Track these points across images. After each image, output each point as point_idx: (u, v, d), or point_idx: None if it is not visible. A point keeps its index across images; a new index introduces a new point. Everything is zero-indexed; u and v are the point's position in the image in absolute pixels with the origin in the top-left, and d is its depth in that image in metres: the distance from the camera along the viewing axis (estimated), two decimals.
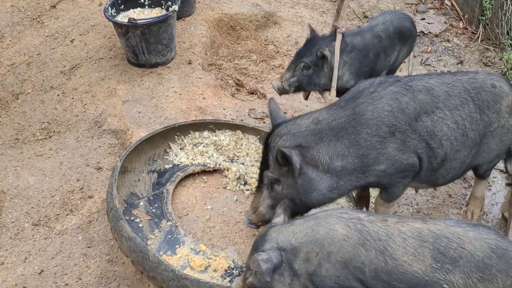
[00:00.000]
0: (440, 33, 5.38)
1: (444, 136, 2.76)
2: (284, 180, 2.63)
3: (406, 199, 3.42)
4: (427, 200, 3.47)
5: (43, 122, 3.63)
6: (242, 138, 3.45)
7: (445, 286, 2.14)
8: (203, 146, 3.32)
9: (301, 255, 2.24)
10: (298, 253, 2.24)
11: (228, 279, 2.61)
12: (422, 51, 5.11)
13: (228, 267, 2.68)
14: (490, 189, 3.67)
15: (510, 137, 2.97)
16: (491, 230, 2.24)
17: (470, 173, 3.72)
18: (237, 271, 2.67)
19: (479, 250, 2.15)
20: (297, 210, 2.68)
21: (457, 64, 4.92)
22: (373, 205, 3.13)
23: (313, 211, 2.64)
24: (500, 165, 3.82)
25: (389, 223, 2.26)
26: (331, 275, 2.24)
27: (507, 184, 3.71)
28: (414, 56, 5.01)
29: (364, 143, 2.61)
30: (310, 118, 2.69)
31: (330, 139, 2.62)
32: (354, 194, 3.15)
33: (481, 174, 3.19)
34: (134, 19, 3.79)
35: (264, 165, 2.69)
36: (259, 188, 2.75)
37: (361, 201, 3.20)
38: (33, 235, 2.86)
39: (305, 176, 2.59)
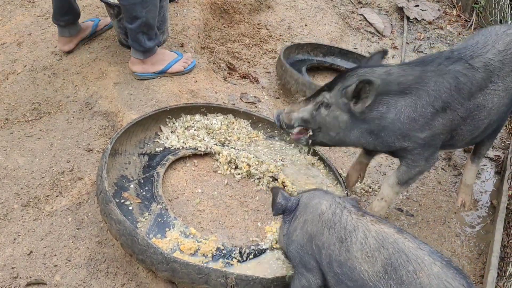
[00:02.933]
0: (433, 20, 5.37)
1: (493, 107, 2.89)
2: (334, 110, 2.74)
3: None
4: (417, 187, 3.49)
5: (34, 102, 3.60)
6: (233, 122, 3.44)
7: None
8: (195, 130, 3.32)
9: (297, 214, 2.41)
10: (299, 213, 2.42)
11: (220, 262, 2.62)
12: (415, 38, 5.11)
13: (218, 249, 2.69)
14: (480, 177, 3.69)
15: None
16: (463, 277, 2.02)
17: (459, 161, 3.74)
18: (227, 254, 2.68)
19: None
20: (323, 141, 2.85)
21: None
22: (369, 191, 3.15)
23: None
24: (490, 153, 3.84)
25: (363, 219, 2.27)
26: (297, 242, 2.36)
27: (496, 172, 3.74)
28: (407, 43, 5.01)
29: (420, 108, 2.71)
30: (385, 68, 2.78)
31: (394, 93, 2.71)
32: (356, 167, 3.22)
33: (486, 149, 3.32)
34: None
35: (327, 87, 2.77)
36: (308, 99, 2.83)
37: (358, 170, 3.24)
38: (22, 216, 2.85)
39: (356, 116, 2.72)
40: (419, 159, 2.86)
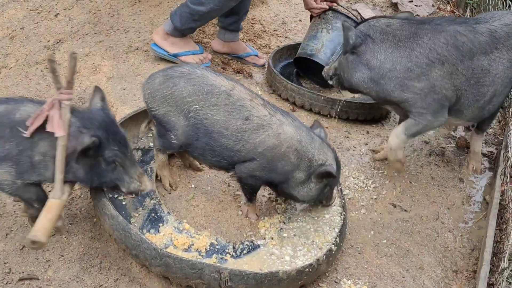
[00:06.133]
0: (427, 16, 5.37)
1: (498, 74, 3.11)
2: (347, 56, 3.19)
3: (389, 181, 3.44)
4: (410, 182, 3.49)
5: (26, 97, 3.58)
6: None
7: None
8: None
9: None
10: None
11: (214, 257, 2.62)
12: None
13: (211, 244, 2.69)
14: (475, 176, 3.70)
15: None
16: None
17: (452, 156, 3.75)
18: (220, 249, 2.68)
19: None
20: (343, 84, 3.30)
21: None
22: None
23: None
24: (483, 148, 3.85)
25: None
26: None
27: (489, 168, 3.75)
28: None
29: (414, 59, 3.02)
30: (386, 20, 3.17)
31: (390, 44, 3.08)
32: None
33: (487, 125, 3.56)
34: None
35: None
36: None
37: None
38: (14, 211, 2.83)
39: (360, 57, 3.13)
40: (425, 113, 3.09)
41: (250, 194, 2.85)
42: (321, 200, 2.91)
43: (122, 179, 2.45)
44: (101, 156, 2.37)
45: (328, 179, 2.74)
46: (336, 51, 3.81)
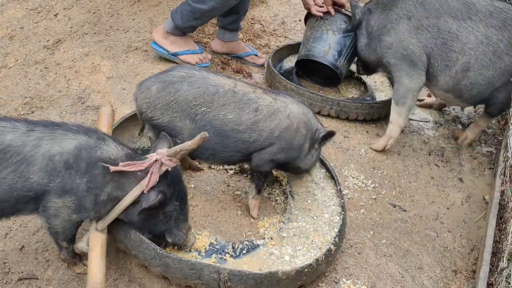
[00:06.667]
0: None
1: (468, 44, 3.29)
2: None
3: (389, 181, 3.44)
4: (410, 182, 3.49)
5: (26, 97, 3.58)
6: None
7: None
8: None
9: None
10: None
11: (213, 257, 2.62)
12: None
13: (211, 244, 2.69)
14: (472, 173, 3.70)
15: None
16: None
17: (452, 156, 3.74)
18: (220, 249, 2.68)
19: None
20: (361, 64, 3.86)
21: None
22: None
23: None
24: (483, 148, 3.85)
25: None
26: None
27: (489, 168, 3.75)
28: None
29: (389, 17, 3.46)
30: None
31: (379, 10, 3.54)
32: None
33: (493, 110, 3.64)
34: None
35: None
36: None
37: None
38: None
39: (361, 30, 3.64)
40: (401, 75, 3.46)
41: (262, 183, 2.89)
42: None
43: (171, 231, 2.46)
44: (162, 209, 2.38)
45: (330, 139, 2.92)
46: (343, 53, 3.83)
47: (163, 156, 2.30)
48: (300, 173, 3.06)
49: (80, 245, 2.44)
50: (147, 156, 2.34)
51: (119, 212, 2.34)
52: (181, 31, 3.80)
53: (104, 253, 2.35)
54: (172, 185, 2.37)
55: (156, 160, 2.30)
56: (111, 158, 2.28)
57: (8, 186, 2.17)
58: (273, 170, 2.99)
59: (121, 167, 2.25)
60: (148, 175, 2.28)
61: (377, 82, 4.31)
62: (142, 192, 2.30)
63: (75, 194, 2.24)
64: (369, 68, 3.82)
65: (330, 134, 2.87)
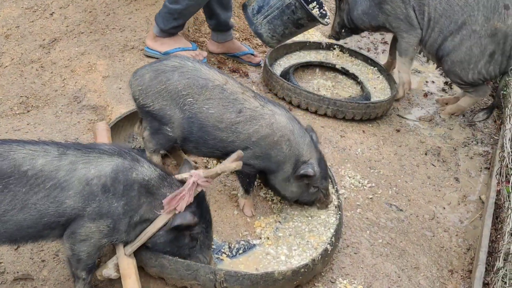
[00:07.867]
0: None
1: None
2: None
3: (385, 180, 3.45)
4: (406, 182, 3.50)
5: (21, 96, 3.57)
6: None
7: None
8: None
9: None
10: None
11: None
12: None
13: None
14: (468, 173, 3.71)
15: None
16: None
17: (448, 156, 3.75)
18: (216, 249, 2.67)
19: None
20: (348, 26, 4.29)
21: None
22: None
23: None
24: (479, 148, 3.85)
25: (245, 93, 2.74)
26: None
27: (485, 168, 3.75)
28: None
29: None
30: None
31: None
32: None
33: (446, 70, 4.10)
34: None
35: None
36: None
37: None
38: None
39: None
40: (400, 30, 4.01)
41: (247, 184, 2.87)
42: (314, 202, 2.93)
43: (195, 256, 2.43)
44: (190, 231, 2.36)
45: (308, 180, 2.77)
46: (262, 10, 3.79)
47: (199, 178, 2.30)
48: (287, 200, 2.97)
49: (107, 272, 2.36)
50: (176, 176, 2.35)
51: (150, 235, 2.30)
52: (166, 33, 3.82)
53: (139, 279, 2.31)
54: (200, 205, 2.37)
55: (193, 183, 2.29)
56: (145, 179, 2.25)
57: (38, 212, 2.12)
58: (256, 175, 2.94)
59: (173, 199, 2.24)
60: (186, 196, 2.27)
61: (376, 88, 4.28)
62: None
63: (111, 217, 2.20)
64: (356, 31, 4.38)
65: (303, 176, 2.75)
